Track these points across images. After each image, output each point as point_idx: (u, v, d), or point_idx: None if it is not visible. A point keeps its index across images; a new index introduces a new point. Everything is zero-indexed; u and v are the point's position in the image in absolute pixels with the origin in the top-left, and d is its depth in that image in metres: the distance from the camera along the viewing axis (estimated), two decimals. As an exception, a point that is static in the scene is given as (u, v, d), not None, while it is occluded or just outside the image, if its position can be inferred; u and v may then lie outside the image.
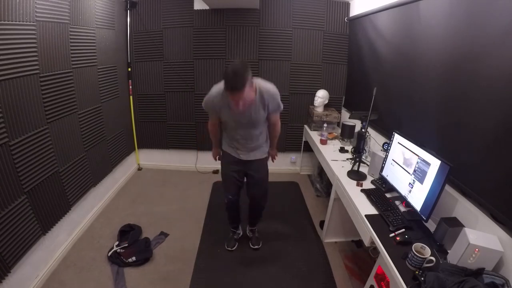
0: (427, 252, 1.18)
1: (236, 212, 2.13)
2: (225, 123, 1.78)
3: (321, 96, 2.93)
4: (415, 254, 1.16)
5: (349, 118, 2.26)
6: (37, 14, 1.67)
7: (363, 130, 2.03)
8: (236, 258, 2.09)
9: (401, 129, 1.81)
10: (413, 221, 1.46)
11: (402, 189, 1.61)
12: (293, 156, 3.48)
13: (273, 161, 2.08)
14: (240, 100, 1.44)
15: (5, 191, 1.51)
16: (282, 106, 1.76)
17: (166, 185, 3.14)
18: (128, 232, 2.21)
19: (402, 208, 1.58)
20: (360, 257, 2.13)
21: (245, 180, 1.99)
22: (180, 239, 2.28)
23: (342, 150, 2.48)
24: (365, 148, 2.30)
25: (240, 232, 2.30)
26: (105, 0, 2.47)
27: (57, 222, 1.96)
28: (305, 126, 3.26)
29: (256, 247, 2.20)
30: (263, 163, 1.94)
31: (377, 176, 1.93)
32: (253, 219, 2.21)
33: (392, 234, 1.37)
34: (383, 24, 2.18)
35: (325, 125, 2.77)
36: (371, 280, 1.51)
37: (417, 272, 1.12)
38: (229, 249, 2.18)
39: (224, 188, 2.00)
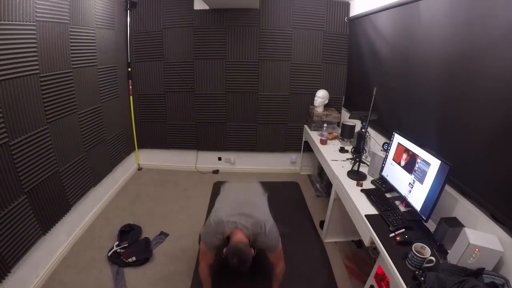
0: (427, 252, 1.18)
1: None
2: None
3: (321, 96, 2.93)
4: (415, 254, 1.16)
5: (349, 118, 2.26)
6: (37, 14, 1.67)
7: (363, 130, 2.03)
8: (236, 258, 2.09)
9: (401, 129, 1.81)
10: (413, 221, 1.46)
11: (402, 189, 1.61)
12: (293, 156, 3.48)
13: None
14: None
15: (5, 191, 1.51)
16: (277, 244, 1.52)
17: (166, 185, 3.14)
18: (128, 232, 2.21)
19: (402, 208, 1.58)
20: (360, 257, 2.13)
21: None
22: (180, 239, 2.28)
23: (342, 150, 2.48)
24: (365, 148, 2.30)
25: None
26: (105, 0, 2.47)
27: (57, 222, 1.96)
28: (305, 126, 3.26)
29: None
30: None
31: (377, 176, 1.93)
32: None
33: (392, 234, 1.37)
34: (383, 24, 2.18)
35: (325, 125, 2.78)
36: (371, 280, 1.51)
37: (417, 272, 1.12)
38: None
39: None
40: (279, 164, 3.52)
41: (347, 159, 2.29)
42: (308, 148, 3.18)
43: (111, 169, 2.78)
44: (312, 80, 3.12)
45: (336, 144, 2.66)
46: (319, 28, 2.94)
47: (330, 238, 2.30)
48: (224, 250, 1.42)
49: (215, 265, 1.62)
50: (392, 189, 1.74)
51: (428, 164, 1.40)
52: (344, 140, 2.70)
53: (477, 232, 1.15)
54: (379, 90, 1.81)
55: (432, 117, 1.62)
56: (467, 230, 1.14)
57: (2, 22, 1.44)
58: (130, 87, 3.11)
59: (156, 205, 2.74)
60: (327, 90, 2.99)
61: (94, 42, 2.33)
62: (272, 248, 1.51)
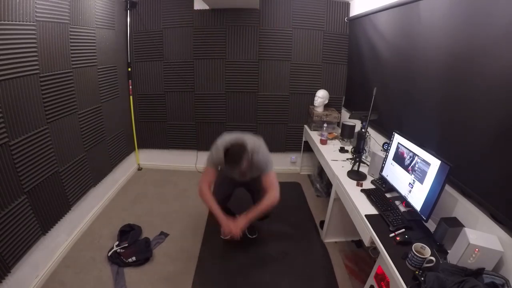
0: (427, 252, 1.18)
1: (225, 209, 2.14)
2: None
3: (321, 96, 2.93)
4: (415, 254, 1.16)
5: (349, 118, 2.26)
6: (37, 14, 1.66)
7: (363, 130, 2.03)
8: (237, 258, 2.09)
9: (401, 129, 1.81)
10: (413, 221, 1.46)
11: (402, 189, 1.61)
12: (293, 156, 3.48)
13: (230, 235, 1.68)
14: (238, 172, 1.66)
15: (5, 191, 1.51)
16: (270, 166, 1.74)
17: (166, 185, 3.14)
18: (128, 232, 2.21)
19: (402, 208, 1.58)
20: (360, 257, 2.13)
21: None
22: (180, 239, 2.28)
23: (342, 150, 2.48)
24: (365, 148, 2.30)
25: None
26: (105, 0, 2.47)
27: (57, 222, 1.96)
28: (305, 126, 3.26)
29: (253, 236, 2.26)
30: None
31: (377, 176, 1.93)
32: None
33: (392, 234, 1.37)
34: (383, 24, 2.18)
35: (325, 125, 2.77)
36: (371, 280, 1.51)
37: (417, 272, 1.12)
38: (222, 237, 2.21)
39: (214, 190, 1.97)
40: (279, 164, 3.51)
41: (347, 159, 2.29)
42: (308, 148, 3.18)
43: (111, 169, 2.78)
44: (312, 80, 3.12)
45: (336, 144, 2.66)
46: (319, 28, 2.94)
47: (330, 238, 2.30)
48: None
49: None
50: (392, 189, 1.74)
51: (428, 164, 1.40)
52: (344, 140, 2.70)
53: (477, 232, 1.15)
54: (379, 90, 1.81)
55: (432, 117, 1.62)
56: (467, 230, 1.14)
57: (2, 22, 1.43)
58: (130, 87, 3.10)
59: (156, 205, 2.74)
60: (327, 90, 2.99)
61: (94, 42, 2.32)
62: (265, 167, 1.72)
